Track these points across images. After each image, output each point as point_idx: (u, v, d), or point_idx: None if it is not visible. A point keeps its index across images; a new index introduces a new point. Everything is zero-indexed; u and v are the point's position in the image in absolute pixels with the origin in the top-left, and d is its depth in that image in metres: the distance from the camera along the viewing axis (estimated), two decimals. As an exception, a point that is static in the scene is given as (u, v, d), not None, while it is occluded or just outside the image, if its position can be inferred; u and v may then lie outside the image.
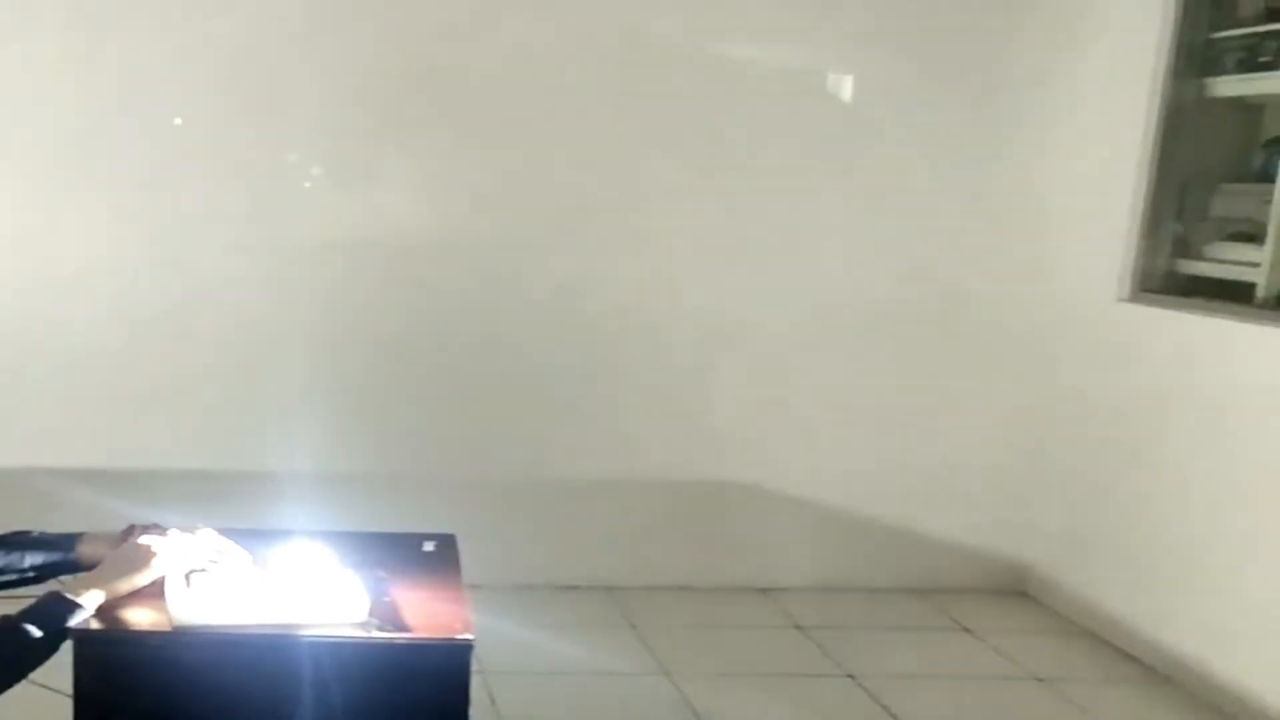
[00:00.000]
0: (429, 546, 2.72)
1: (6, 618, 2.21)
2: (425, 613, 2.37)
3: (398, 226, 4.60)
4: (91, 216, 4.46)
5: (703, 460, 4.83)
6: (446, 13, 4.50)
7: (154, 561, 2.39)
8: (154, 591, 2.36)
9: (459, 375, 4.70)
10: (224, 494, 4.15)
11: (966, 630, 4.57)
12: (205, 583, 2.38)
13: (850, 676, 4.10)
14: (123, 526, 2.58)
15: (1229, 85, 4.16)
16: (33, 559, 2.54)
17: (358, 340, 4.63)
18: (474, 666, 2.27)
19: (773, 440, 4.85)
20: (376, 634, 2.26)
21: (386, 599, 2.39)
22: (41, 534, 2.59)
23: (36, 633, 2.18)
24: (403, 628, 2.29)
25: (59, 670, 2.22)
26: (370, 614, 2.30)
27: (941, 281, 4.80)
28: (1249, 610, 3.86)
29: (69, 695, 2.38)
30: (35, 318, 4.46)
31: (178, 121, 4.42)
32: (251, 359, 4.57)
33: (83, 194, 4.44)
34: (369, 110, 4.53)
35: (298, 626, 2.27)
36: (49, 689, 2.32)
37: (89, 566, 2.49)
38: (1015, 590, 4.96)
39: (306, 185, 4.57)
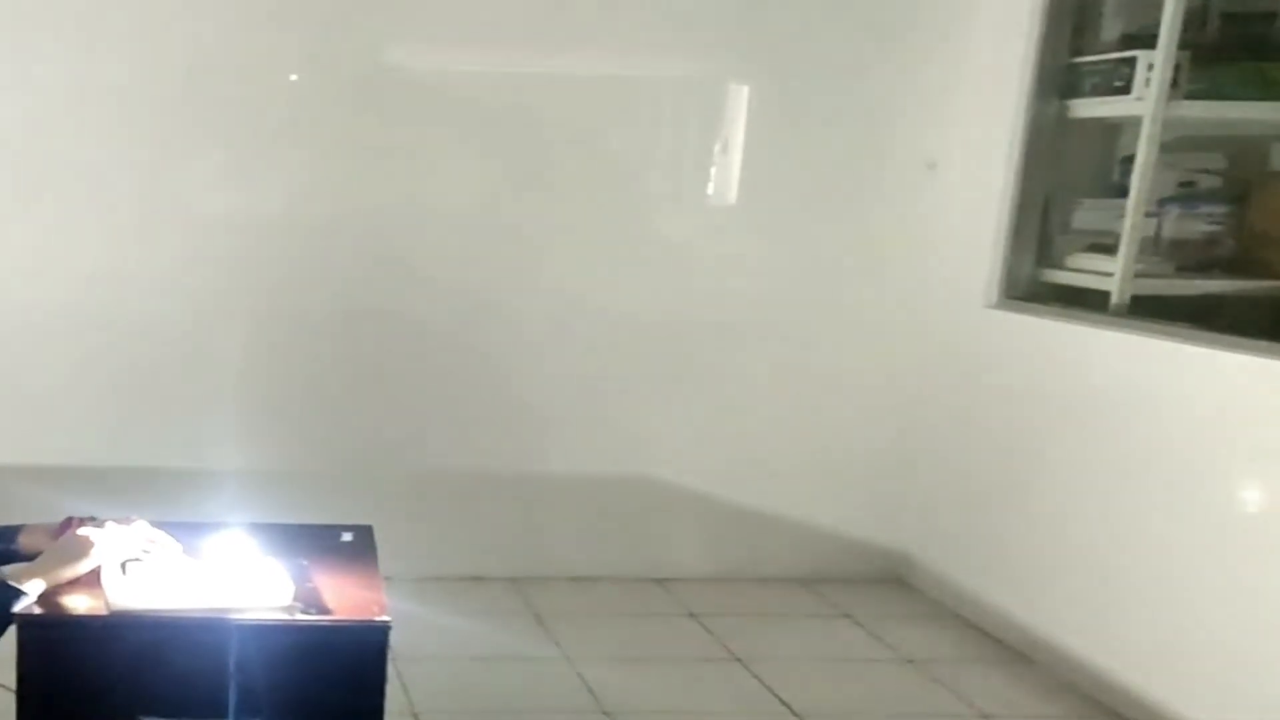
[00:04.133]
0: (347, 537, 2.86)
1: (-45, 604, 2.30)
2: (344, 597, 2.50)
3: (304, 218, 4.68)
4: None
5: (600, 456, 4.94)
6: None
7: (92, 551, 2.49)
8: (92, 579, 2.47)
9: (362, 370, 4.79)
10: (146, 488, 4.27)
11: (847, 616, 4.75)
12: (140, 570, 2.48)
13: (739, 661, 4.28)
14: (60, 519, 2.67)
15: (1087, 107, 4.33)
16: (-26, 551, 2.60)
17: (264, 336, 4.72)
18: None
19: (666, 437, 4.97)
20: (300, 616, 2.40)
21: (309, 585, 2.52)
22: (-18, 528, 2.66)
23: (-18, 617, 2.26)
24: (324, 611, 2.43)
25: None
26: (294, 598, 2.43)
27: (826, 289, 4.94)
28: (1105, 594, 4.04)
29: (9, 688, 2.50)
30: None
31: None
32: (163, 360, 4.68)
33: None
34: (269, 92, 4.61)
35: (227, 610, 2.39)
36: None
37: (29, 556, 2.58)
38: (893, 578, 5.12)
39: (218, 170, 4.63)
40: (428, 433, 4.87)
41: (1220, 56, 4.04)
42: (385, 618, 2.42)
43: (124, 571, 2.48)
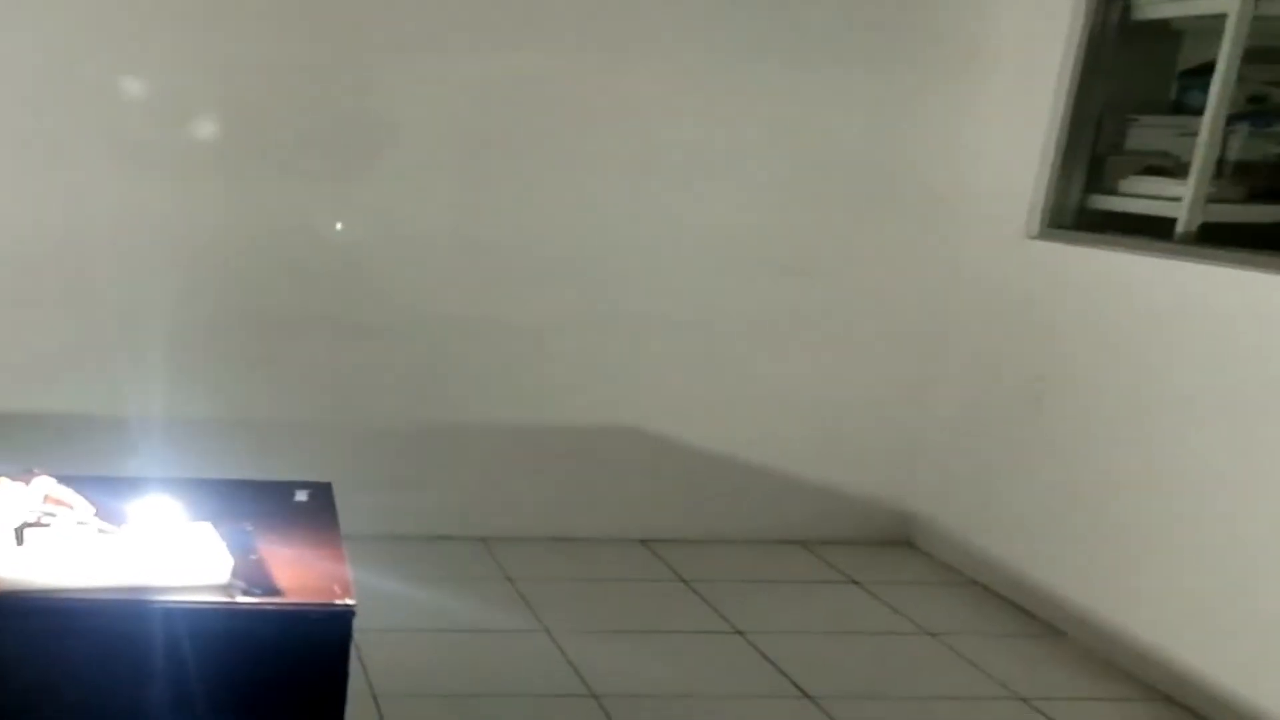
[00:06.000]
0: (301, 496, 2.49)
1: None
2: (298, 573, 2.14)
3: (266, 157, 4.32)
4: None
5: (580, 405, 4.61)
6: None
7: (-21, 514, 2.16)
8: (-21, 549, 2.13)
9: (327, 314, 4.45)
10: (66, 438, 3.91)
11: (855, 583, 4.37)
12: (41, 539, 2.14)
13: (740, 633, 3.87)
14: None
15: (1157, 6, 3.93)
16: None
17: (219, 274, 4.36)
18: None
19: (654, 384, 4.64)
20: (241, 599, 2.05)
21: (253, 557, 2.18)
22: None
23: None
24: (272, 591, 2.07)
25: None
26: (234, 575, 2.08)
27: (837, 220, 4.57)
28: (1148, 561, 3.70)
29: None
30: None
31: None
32: (100, 291, 4.27)
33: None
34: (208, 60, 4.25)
35: (150, 590, 2.05)
36: None
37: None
38: (901, 540, 4.78)
39: (162, 116, 4.26)
40: (388, 378, 4.53)
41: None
42: (349, 600, 2.05)
43: (20, 540, 2.14)
